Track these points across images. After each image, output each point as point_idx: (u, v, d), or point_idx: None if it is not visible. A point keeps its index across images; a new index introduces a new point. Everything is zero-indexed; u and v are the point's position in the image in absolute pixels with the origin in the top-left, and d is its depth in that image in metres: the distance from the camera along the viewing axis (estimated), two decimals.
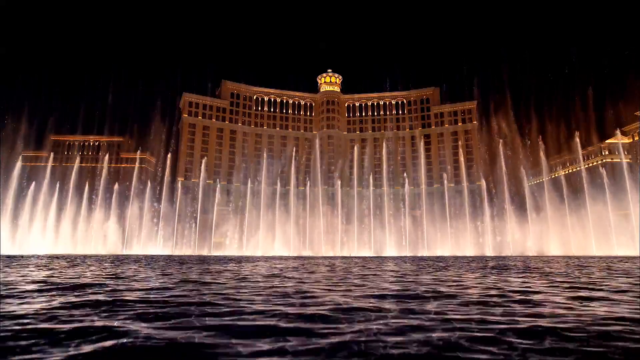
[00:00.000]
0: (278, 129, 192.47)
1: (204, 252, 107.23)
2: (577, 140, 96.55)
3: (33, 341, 4.49)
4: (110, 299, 8.31)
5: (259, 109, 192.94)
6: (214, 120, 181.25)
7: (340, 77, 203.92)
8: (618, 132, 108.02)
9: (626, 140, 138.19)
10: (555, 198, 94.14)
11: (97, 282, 12.94)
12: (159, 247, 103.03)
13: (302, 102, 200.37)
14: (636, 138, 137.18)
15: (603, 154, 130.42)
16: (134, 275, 16.07)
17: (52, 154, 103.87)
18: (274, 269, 23.03)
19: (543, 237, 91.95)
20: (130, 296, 8.85)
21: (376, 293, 9.91)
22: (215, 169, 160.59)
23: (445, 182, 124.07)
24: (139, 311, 6.63)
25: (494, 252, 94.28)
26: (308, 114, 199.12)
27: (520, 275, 17.02)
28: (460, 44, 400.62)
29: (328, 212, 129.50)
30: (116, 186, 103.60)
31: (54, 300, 8.17)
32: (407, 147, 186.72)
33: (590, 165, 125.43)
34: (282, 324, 5.60)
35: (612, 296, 9.23)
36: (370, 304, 7.68)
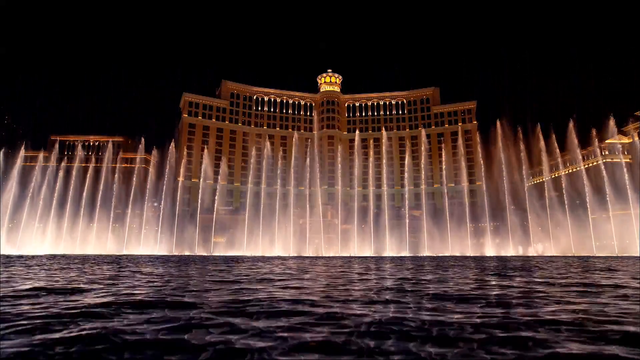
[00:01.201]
0: (278, 129, 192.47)
1: (204, 253, 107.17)
2: (575, 140, 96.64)
3: None
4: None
5: (259, 109, 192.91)
6: (214, 120, 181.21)
7: (340, 77, 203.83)
8: (616, 131, 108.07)
9: (626, 140, 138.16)
10: (555, 198, 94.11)
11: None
12: (158, 247, 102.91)
13: (302, 102, 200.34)
14: (636, 138, 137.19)
15: (603, 154, 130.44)
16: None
17: (52, 154, 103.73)
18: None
19: (544, 237, 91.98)
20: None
21: None
22: (215, 169, 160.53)
23: (445, 182, 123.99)
24: None
25: (495, 253, 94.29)
26: (308, 114, 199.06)
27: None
28: (460, 44, 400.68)
29: (328, 212, 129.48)
30: (116, 186, 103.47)
31: None
32: (407, 147, 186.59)
33: (590, 165, 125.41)
34: None
35: None
36: None
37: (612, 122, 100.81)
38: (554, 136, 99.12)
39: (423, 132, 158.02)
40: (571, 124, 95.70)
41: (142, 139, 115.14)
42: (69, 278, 16.05)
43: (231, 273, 20.27)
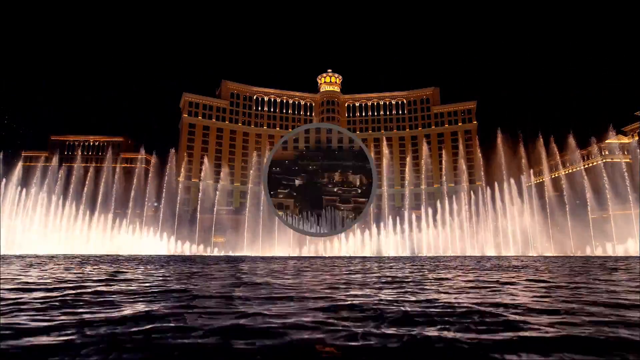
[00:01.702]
0: (278, 129, 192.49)
1: (204, 253, 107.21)
2: (574, 140, 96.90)
3: None
4: None
5: (259, 109, 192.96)
6: (214, 120, 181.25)
7: (340, 77, 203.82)
8: (613, 131, 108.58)
9: (625, 140, 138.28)
10: (555, 198, 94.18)
11: None
12: (158, 247, 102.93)
13: (302, 102, 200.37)
14: (635, 138, 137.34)
15: (603, 154, 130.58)
16: None
17: (53, 154, 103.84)
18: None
19: (544, 237, 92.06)
20: None
21: None
22: (215, 169, 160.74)
23: (445, 182, 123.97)
24: None
25: (495, 252, 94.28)
26: (308, 114, 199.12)
27: None
28: (460, 44, 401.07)
29: None
30: (116, 186, 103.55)
31: None
32: (408, 147, 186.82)
33: (590, 165, 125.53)
34: None
35: None
36: None
37: (611, 129, 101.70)
38: (553, 136, 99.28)
39: (422, 133, 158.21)
40: (571, 126, 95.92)
41: (143, 144, 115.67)
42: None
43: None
